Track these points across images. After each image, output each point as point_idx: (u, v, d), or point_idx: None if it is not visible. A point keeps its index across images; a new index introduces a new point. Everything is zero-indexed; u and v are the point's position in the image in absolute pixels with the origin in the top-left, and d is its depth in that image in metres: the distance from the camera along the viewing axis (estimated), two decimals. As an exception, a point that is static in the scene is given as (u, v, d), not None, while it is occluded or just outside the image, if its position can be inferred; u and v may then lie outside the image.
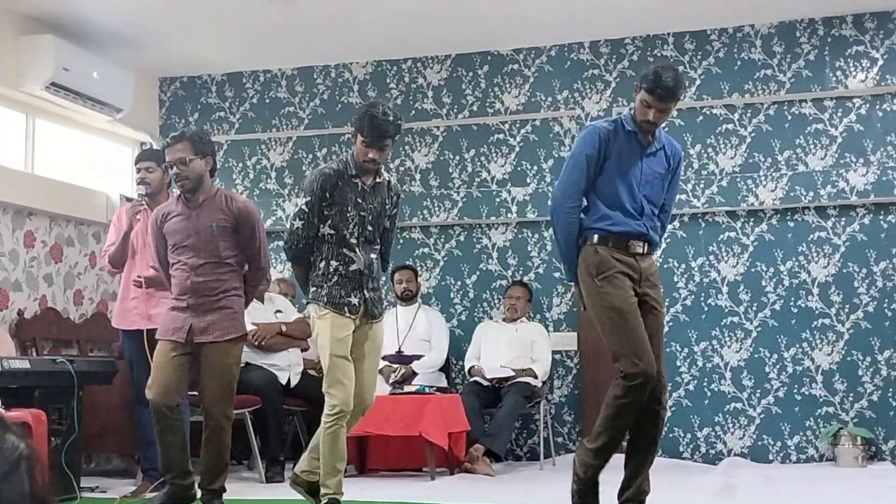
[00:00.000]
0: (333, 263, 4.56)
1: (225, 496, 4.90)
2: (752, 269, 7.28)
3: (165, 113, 8.32)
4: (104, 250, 5.87)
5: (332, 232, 4.57)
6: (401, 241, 7.89)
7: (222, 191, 5.00)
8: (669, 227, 7.42)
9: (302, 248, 4.62)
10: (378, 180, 4.65)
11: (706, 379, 7.29)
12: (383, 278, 4.84)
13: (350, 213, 4.56)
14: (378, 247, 4.68)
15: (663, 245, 7.41)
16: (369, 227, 4.59)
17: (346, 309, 4.53)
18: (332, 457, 4.56)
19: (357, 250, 4.56)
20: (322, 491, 4.58)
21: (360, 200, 4.57)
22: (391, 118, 4.49)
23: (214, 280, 4.79)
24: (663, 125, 4.32)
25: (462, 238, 7.84)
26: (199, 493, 5.28)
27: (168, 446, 4.79)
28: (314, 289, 4.59)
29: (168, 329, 4.81)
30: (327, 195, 4.55)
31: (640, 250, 4.20)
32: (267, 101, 8.17)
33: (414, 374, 6.99)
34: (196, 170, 4.82)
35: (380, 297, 4.70)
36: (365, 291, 4.57)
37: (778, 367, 7.18)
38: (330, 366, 4.49)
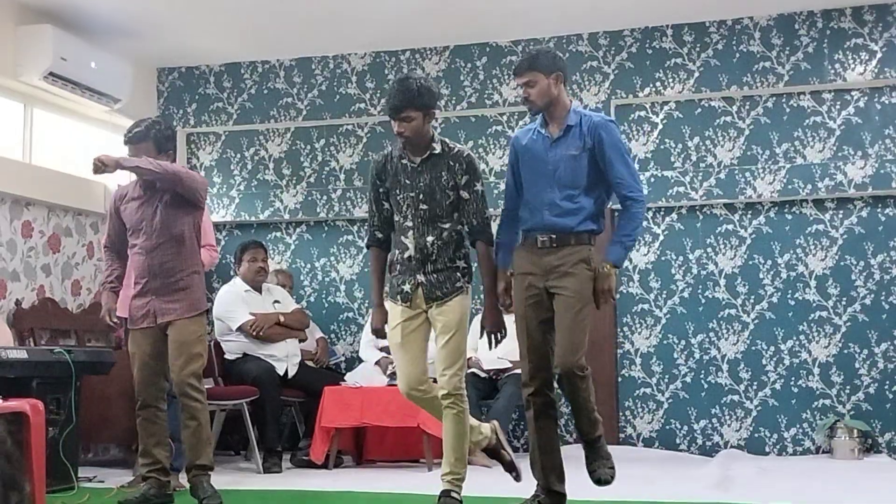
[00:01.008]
0: (396, 252, 4.52)
1: (222, 487, 4.91)
2: (750, 262, 7.28)
3: (163, 103, 8.30)
4: (103, 241, 5.88)
5: (397, 219, 4.50)
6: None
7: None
8: (667, 219, 7.44)
9: (371, 237, 4.59)
10: (430, 153, 4.43)
11: (703, 371, 7.30)
12: (459, 263, 4.47)
13: (400, 195, 4.45)
14: (446, 224, 4.42)
15: (661, 238, 7.43)
16: (423, 206, 4.40)
17: (398, 297, 4.47)
18: (450, 442, 4.51)
19: (411, 234, 4.42)
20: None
21: (407, 181, 4.43)
22: (397, 87, 4.33)
23: (171, 260, 4.86)
24: (580, 106, 4.34)
25: (460, 229, 7.83)
26: (182, 487, 5.31)
27: (148, 436, 4.84)
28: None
29: (136, 318, 4.92)
30: (378, 181, 4.50)
31: (546, 244, 4.26)
32: (265, 91, 8.16)
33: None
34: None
35: (446, 278, 4.41)
36: (419, 276, 4.41)
37: (775, 359, 7.19)
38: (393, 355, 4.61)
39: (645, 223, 7.44)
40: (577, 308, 4.23)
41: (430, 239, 4.41)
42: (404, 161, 4.46)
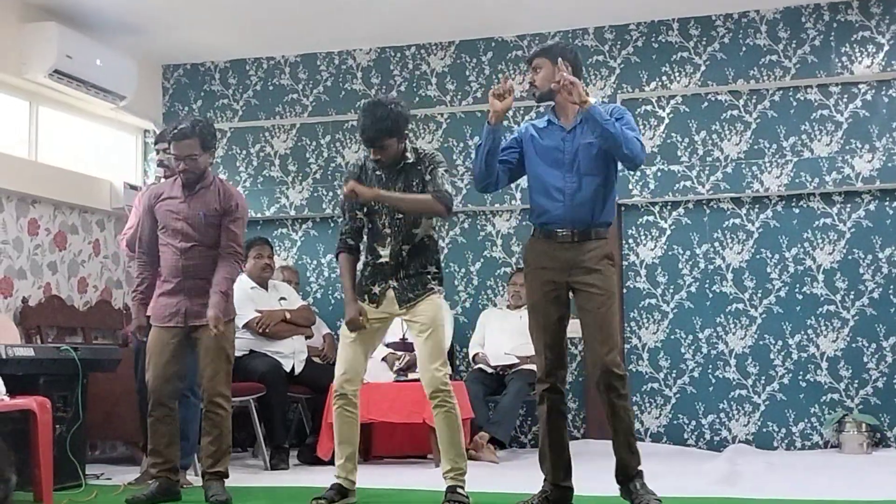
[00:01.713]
0: (368, 257, 4.67)
1: (229, 483, 4.91)
2: (757, 256, 7.26)
3: (169, 100, 8.30)
4: (122, 233, 5.92)
5: (369, 227, 4.65)
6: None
7: (217, 180, 5.06)
8: (674, 213, 7.42)
9: (342, 244, 4.69)
10: (404, 163, 4.58)
11: (711, 366, 7.29)
12: (431, 268, 4.62)
13: (376, 205, 4.57)
14: (418, 229, 4.56)
15: (668, 232, 7.41)
16: (399, 215, 4.54)
17: (365, 297, 4.62)
18: (336, 439, 4.67)
19: (388, 241, 4.56)
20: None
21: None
22: (371, 119, 4.42)
23: (203, 262, 4.86)
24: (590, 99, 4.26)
25: (466, 225, 7.83)
26: (189, 484, 5.32)
27: (160, 436, 4.83)
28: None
29: (163, 316, 4.86)
30: (356, 213, 4.65)
31: (566, 238, 4.23)
32: (270, 88, 8.15)
33: (418, 361, 6.99)
34: (202, 165, 4.93)
35: (418, 281, 4.56)
36: (392, 280, 4.58)
37: (783, 353, 7.17)
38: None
39: (651, 217, 7.44)
40: (607, 305, 4.19)
41: (406, 247, 4.57)
42: (378, 172, 4.60)
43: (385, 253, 4.57)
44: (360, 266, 4.75)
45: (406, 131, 4.59)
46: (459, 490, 4.49)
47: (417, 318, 4.55)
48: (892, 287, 7.02)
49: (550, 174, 4.30)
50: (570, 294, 4.32)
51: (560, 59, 4.27)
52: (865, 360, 7.03)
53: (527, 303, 4.48)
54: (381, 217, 4.59)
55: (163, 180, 5.57)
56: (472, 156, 4.52)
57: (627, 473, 4.23)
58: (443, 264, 7.72)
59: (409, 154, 4.59)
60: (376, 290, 4.60)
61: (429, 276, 4.60)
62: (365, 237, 4.70)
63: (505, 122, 4.55)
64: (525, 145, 4.42)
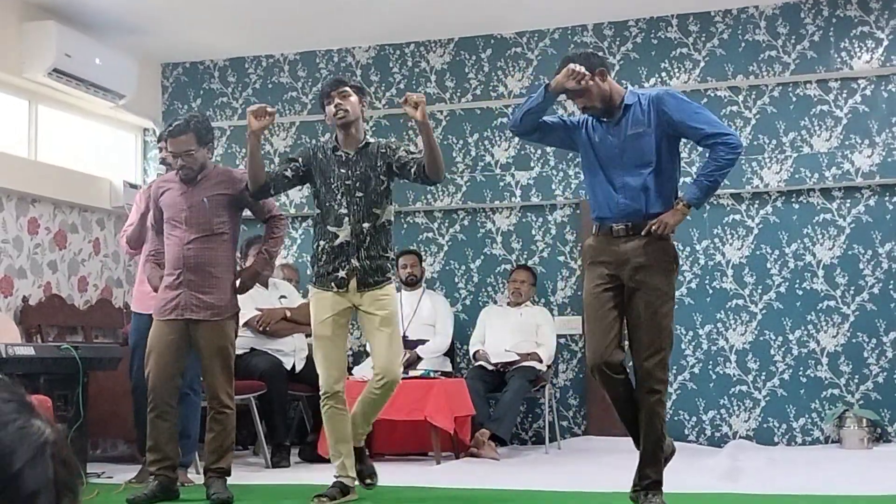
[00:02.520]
0: (321, 243, 4.65)
1: (230, 481, 4.91)
2: (757, 252, 7.27)
3: (168, 99, 8.30)
4: (123, 230, 5.92)
5: (319, 210, 4.67)
6: (404, 225, 7.89)
7: (218, 166, 5.12)
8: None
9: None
10: (366, 143, 4.67)
11: (711, 362, 7.29)
12: (390, 254, 4.69)
13: (334, 184, 4.61)
14: (379, 211, 4.60)
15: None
16: (359, 193, 4.57)
17: (332, 284, 4.59)
18: (330, 439, 4.66)
19: (346, 220, 4.57)
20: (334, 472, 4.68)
21: (342, 170, 4.62)
22: (332, 76, 4.76)
23: (206, 253, 4.83)
24: (630, 87, 4.25)
25: (466, 222, 7.83)
26: (189, 482, 5.32)
27: (160, 433, 4.81)
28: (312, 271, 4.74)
29: (163, 309, 4.85)
30: (299, 159, 4.70)
31: (621, 232, 4.12)
32: (269, 86, 8.15)
33: (419, 358, 7.00)
34: (199, 160, 4.93)
35: (379, 266, 4.59)
36: (354, 261, 4.56)
37: (783, 349, 7.17)
38: (313, 347, 4.71)
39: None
40: (655, 305, 4.04)
41: (366, 225, 4.58)
42: (338, 153, 4.64)
43: (343, 233, 4.57)
44: (312, 255, 4.75)
45: (365, 97, 4.76)
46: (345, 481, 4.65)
47: (378, 311, 4.57)
48: (892, 282, 7.02)
49: (602, 168, 4.20)
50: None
51: (597, 71, 4.15)
52: (866, 355, 7.03)
53: (583, 300, 4.30)
54: (336, 196, 4.60)
55: None
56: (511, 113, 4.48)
57: (642, 483, 4.12)
58: (443, 262, 7.82)
59: (370, 138, 4.74)
60: (342, 273, 4.57)
61: (388, 262, 4.66)
62: (316, 225, 4.72)
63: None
64: (580, 135, 4.28)
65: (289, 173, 4.70)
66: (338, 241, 4.58)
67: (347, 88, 4.61)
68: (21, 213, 6.80)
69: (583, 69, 4.06)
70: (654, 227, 4.02)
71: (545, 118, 4.32)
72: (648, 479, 4.10)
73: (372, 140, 4.72)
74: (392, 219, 4.71)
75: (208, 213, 4.84)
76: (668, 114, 4.12)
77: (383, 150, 4.65)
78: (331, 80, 4.70)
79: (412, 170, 4.57)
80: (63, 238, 7.16)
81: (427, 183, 4.68)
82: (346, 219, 4.58)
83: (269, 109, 4.57)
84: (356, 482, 4.70)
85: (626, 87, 4.34)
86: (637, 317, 4.06)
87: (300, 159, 4.72)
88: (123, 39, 7.42)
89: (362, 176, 4.59)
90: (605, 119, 4.23)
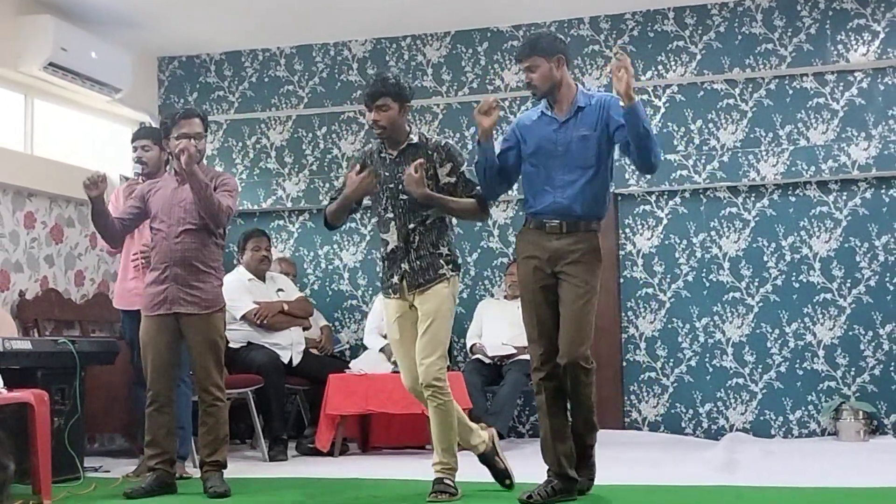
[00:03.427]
0: (381, 251, 4.61)
1: (228, 475, 4.91)
2: (754, 245, 7.27)
3: (164, 93, 8.29)
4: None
5: (376, 219, 4.62)
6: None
7: (209, 168, 5.18)
8: (670, 203, 7.42)
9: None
10: (408, 144, 4.52)
11: (708, 355, 7.30)
12: (443, 250, 4.53)
13: (380, 187, 4.53)
14: (424, 212, 4.46)
15: (664, 221, 7.41)
16: (403, 196, 4.46)
17: (390, 291, 4.56)
18: (435, 434, 4.58)
19: (392, 226, 4.50)
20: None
21: (387, 174, 4.52)
22: (374, 79, 4.51)
23: (193, 248, 4.84)
24: (592, 88, 4.34)
25: (463, 216, 7.82)
26: (187, 474, 5.33)
27: (158, 427, 4.83)
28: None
29: (151, 304, 4.88)
30: (360, 168, 4.54)
31: (555, 229, 4.25)
32: (266, 79, 8.14)
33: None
34: (202, 147, 4.98)
35: (430, 265, 4.46)
36: (404, 265, 4.48)
37: (780, 342, 7.18)
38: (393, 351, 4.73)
39: (647, 206, 7.44)
40: (584, 297, 4.21)
41: (411, 226, 4.48)
42: (383, 154, 4.56)
43: (392, 238, 4.51)
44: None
45: (407, 102, 4.52)
46: (448, 482, 4.49)
47: (423, 305, 4.46)
48: (888, 275, 7.03)
49: (542, 166, 4.32)
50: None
51: (555, 57, 4.27)
52: (862, 347, 7.04)
53: (519, 293, 4.49)
54: (382, 201, 4.53)
55: (141, 179, 5.62)
56: (474, 172, 4.51)
57: (580, 443, 4.37)
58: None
59: (413, 136, 4.54)
60: (395, 279, 4.51)
61: (441, 259, 4.49)
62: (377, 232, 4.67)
63: (500, 113, 4.54)
64: (519, 139, 4.43)
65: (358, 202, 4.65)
66: (389, 248, 4.52)
67: (385, 101, 4.42)
68: (17, 207, 6.79)
69: (490, 103, 4.25)
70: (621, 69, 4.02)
71: (505, 168, 4.44)
72: (584, 438, 4.40)
73: (416, 140, 4.53)
74: (444, 214, 4.55)
75: (194, 209, 4.86)
76: (614, 117, 4.22)
77: (430, 153, 4.49)
78: (369, 90, 4.47)
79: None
80: (59, 232, 7.15)
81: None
82: (393, 223, 4.51)
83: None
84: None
85: (579, 87, 4.38)
86: (565, 307, 4.24)
87: (359, 168, 4.55)
88: (119, 33, 7.40)
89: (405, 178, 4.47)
90: (548, 113, 4.34)
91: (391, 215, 4.50)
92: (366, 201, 4.74)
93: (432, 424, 4.53)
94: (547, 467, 4.40)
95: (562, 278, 4.25)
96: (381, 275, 4.67)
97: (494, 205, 7.70)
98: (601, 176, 4.32)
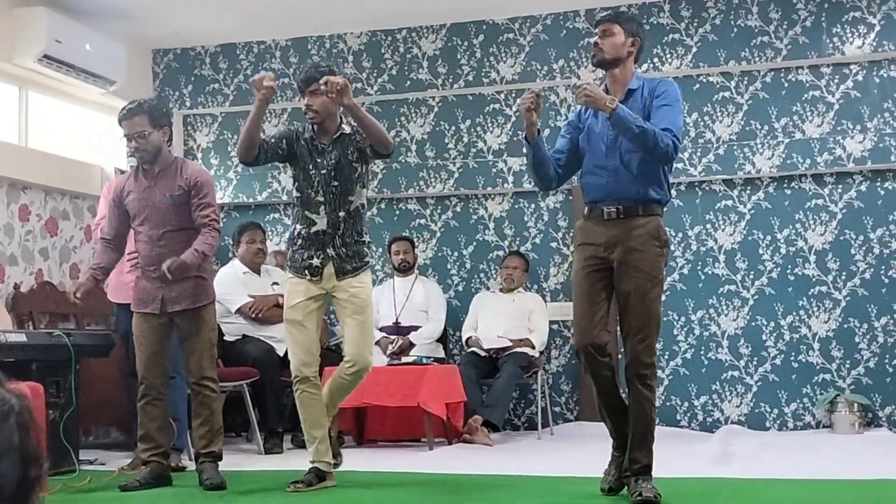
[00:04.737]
0: (298, 227, 4.67)
1: (223, 467, 4.91)
2: (749, 238, 7.28)
3: (159, 85, 8.27)
4: (96, 223, 5.89)
5: (298, 194, 4.68)
6: (397, 212, 7.89)
7: (178, 160, 5.04)
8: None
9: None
10: (341, 134, 4.65)
11: (703, 347, 7.31)
12: (366, 238, 4.70)
13: (311, 171, 4.63)
14: (353, 197, 4.60)
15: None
16: (335, 182, 4.58)
17: (306, 272, 4.61)
18: (304, 424, 4.68)
19: (323, 209, 4.59)
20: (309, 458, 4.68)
21: (319, 159, 4.62)
22: (310, 65, 4.67)
23: (179, 246, 4.79)
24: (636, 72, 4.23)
25: (458, 209, 7.83)
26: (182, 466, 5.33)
27: (151, 420, 4.83)
28: (287, 253, 4.77)
29: (141, 302, 4.89)
30: (286, 139, 4.69)
31: (612, 215, 4.10)
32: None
33: (411, 344, 7.01)
34: (154, 142, 4.89)
35: (355, 252, 4.61)
36: (329, 250, 4.58)
37: (775, 334, 7.19)
38: (285, 332, 4.73)
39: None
40: (645, 289, 4.03)
41: (341, 214, 4.59)
42: (315, 143, 4.65)
43: (320, 220, 4.59)
44: (289, 237, 4.76)
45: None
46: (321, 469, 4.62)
47: (353, 299, 4.58)
48: (883, 268, 7.04)
49: (596, 151, 4.19)
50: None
51: (634, 38, 4.19)
52: (857, 340, 7.05)
53: (571, 279, 4.31)
54: (312, 183, 4.61)
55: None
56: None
57: (632, 468, 4.10)
58: (435, 248, 7.82)
59: (345, 126, 4.67)
60: (316, 262, 4.59)
61: (364, 247, 4.67)
62: (294, 207, 4.71)
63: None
64: (584, 124, 4.29)
65: (281, 149, 4.70)
66: (314, 229, 4.60)
67: (319, 86, 4.47)
68: (12, 199, 6.77)
69: (533, 95, 4.06)
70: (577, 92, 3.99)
71: (557, 153, 4.29)
72: (638, 463, 4.10)
73: (348, 129, 4.66)
74: (365, 202, 4.72)
75: (172, 210, 4.84)
76: (659, 96, 4.13)
77: (354, 137, 4.64)
78: (303, 75, 4.63)
79: (367, 150, 4.61)
80: (54, 225, 7.14)
81: (380, 157, 4.70)
82: (323, 207, 4.59)
83: (266, 83, 4.52)
84: (332, 467, 4.69)
85: (635, 70, 4.31)
86: (625, 300, 4.06)
87: (284, 140, 4.71)
88: (114, 25, 7.38)
89: (337, 165, 4.60)
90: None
91: (322, 199, 4.60)
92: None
93: (305, 412, 4.63)
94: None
95: (622, 269, 4.04)
96: (293, 251, 4.67)
97: (490, 198, 7.72)
98: (648, 160, 4.09)
